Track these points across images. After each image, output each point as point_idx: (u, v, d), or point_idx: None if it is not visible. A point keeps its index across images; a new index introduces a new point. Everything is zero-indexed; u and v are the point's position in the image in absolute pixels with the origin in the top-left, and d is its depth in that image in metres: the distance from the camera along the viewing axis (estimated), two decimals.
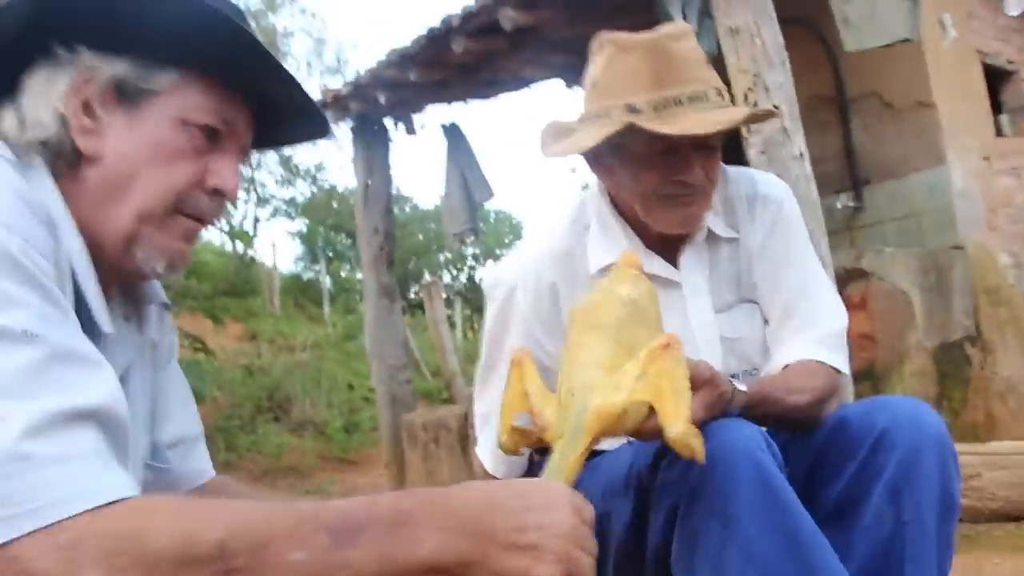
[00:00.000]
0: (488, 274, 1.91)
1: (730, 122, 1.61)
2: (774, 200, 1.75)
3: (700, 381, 1.31)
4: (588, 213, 1.81)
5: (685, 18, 4.15)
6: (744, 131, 3.78)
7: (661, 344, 1.23)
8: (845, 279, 4.73)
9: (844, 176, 5.72)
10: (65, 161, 1.07)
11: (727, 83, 3.78)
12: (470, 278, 21.60)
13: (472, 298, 20.20)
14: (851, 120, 5.72)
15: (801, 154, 3.76)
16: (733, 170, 1.82)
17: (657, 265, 1.72)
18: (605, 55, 1.69)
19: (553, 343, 1.75)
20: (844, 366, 1.68)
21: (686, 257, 1.74)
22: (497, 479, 1.91)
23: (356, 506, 0.88)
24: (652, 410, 1.26)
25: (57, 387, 0.84)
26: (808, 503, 1.43)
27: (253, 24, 1.25)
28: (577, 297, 1.71)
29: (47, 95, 1.06)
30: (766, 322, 1.76)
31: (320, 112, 1.28)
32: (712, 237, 1.75)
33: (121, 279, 1.19)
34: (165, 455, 1.27)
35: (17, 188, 0.96)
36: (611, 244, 1.73)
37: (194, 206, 1.12)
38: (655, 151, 1.61)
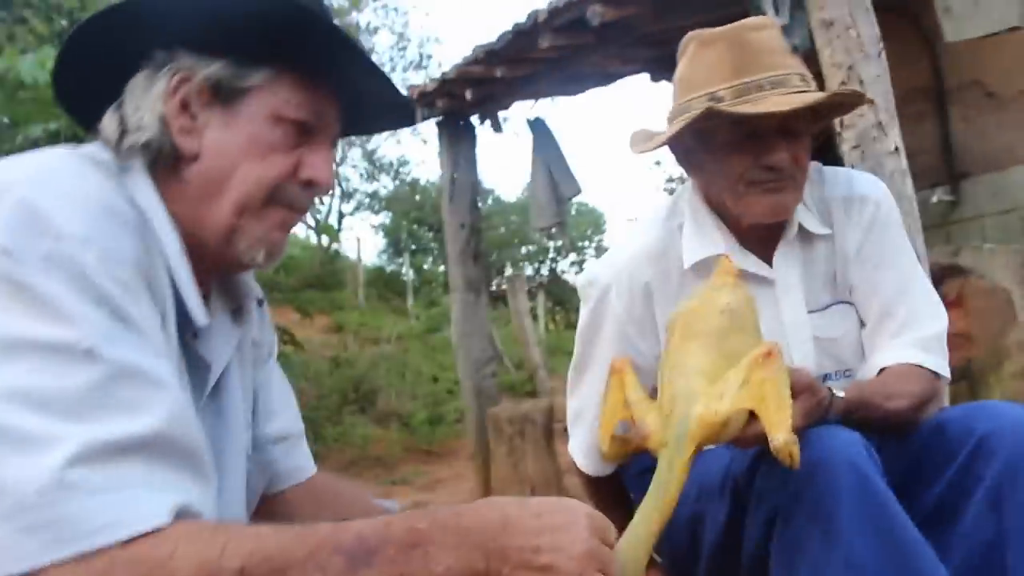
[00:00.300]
0: (582, 274, 1.93)
1: (811, 101, 1.60)
2: (872, 201, 1.73)
3: (799, 388, 1.31)
4: (681, 211, 1.81)
5: (776, 11, 4.06)
6: (837, 126, 3.70)
7: (763, 352, 1.24)
8: (940, 276, 4.59)
9: (940, 169, 5.54)
10: (165, 161, 1.11)
11: (820, 77, 3.72)
12: (552, 271, 21.64)
13: (554, 290, 20.22)
14: (949, 111, 5.54)
15: (896, 148, 3.64)
16: (830, 170, 1.82)
17: (751, 263, 1.72)
18: (689, 52, 1.73)
19: (646, 343, 1.76)
20: (944, 369, 1.66)
21: (780, 255, 1.74)
22: (586, 477, 1.93)
23: (372, 528, 0.89)
24: (752, 416, 1.26)
25: (114, 410, 0.85)
26: (905, 507, 1.41)
27: (336, 19, 1.29)
28: (671, 297, 1.74)
29: (148, 97, 1.11)
30: (863, 324, 1.74)
31: (405, 101, 1.35)
32: (805, 235, 1.74)
33: (223, 271, 1.23)
34: (270, 450, 1.33)
35: (100, 196, 0.98)
36: (705, 240, 1.74)
37: (288, 197, 1.16)
38: (740, 137, 1.63)
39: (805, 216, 1.73)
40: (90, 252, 0.90)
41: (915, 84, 5.47)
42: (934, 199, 5.46)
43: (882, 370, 1.64)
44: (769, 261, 1.74)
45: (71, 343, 0.85)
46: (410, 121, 1.40)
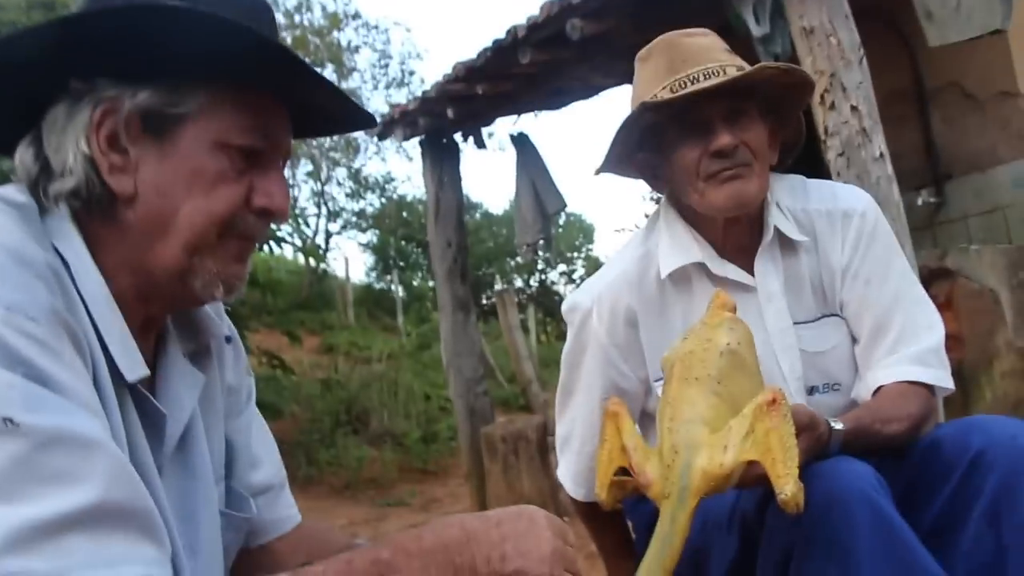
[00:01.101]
0: (566, 299, 1.92)
1: (733, 76, 1.61)
2: (856, 214, 1.72)
3: (799, 428, 1.28)
4: (658, 229, 1.81)
5: (757, 19, 4.07)
6: (822, 133, 3.70)
7: (767, 401, 1.21)
8: (928, 278, 4.58)
9: (924, 171, 5.56)
10: (99, 204, 1.01)
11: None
12: (542, 282, 21.62)
13: (545, 302, 20.20)
14: (931, 113, 5.56)
15: (881, 154, 3.65)
16: (814, 183, 1.82)
17: (731, 270, 1.72)
18: (635, 72, 1.77)
19: (630, 365, 1.77)
20: (944, 380, 1.65)
21: (760, 262, 1.72)
22: (578, 502, 1.91)
23: (334, 567, 0.89)
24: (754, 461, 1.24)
25: (46, 484, 0.78)
26: (914, 509, 1.42)
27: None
28: (655, 314, 1.75)
29: (69, 134, 1.00)
30: (855, 340, 1.73)
31: (357, 107, 1.20)
32: (787, 244, 1.73)
33: (180, 308, 1.14)
34: (247, 503, 1.23)
35: (11, 244, 0.91)
36: (680, 250, 1.74)
37: (243, 228, 1.06)
38: (685, 129, 1.66)
39: (782, 221, 1.72)
40: None
41: (896, 87, 5.48)
42: (919, 201, 5.47)
43: (878, 389, 1.63)
44: (749, 269, 1.73)
45: None
46: (369, 124, 1.26)
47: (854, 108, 3.63)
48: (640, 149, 1.78)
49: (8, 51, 0.99)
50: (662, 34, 1.77)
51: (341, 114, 1.21)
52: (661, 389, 1.38)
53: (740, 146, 1.63)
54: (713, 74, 1.62)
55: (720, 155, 1.63)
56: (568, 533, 1.01)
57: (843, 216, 1.72)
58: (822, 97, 3.70)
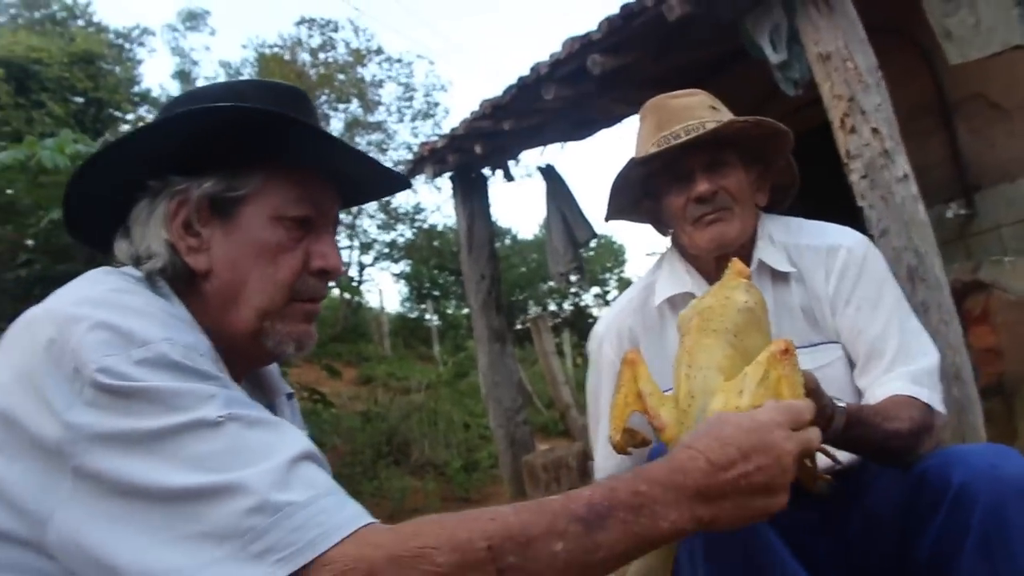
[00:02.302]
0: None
1: (700, 132, 1.78)
2: (844, 248, 1.83)
3: (807, 389, 1.32)
4: (663, 263, 2.01)
5: (773, 46, 4.12)
6: (844, 157, 3.73)
7: (781, 349, 1.24)
8: (963, 292, 4.57)
9: (953, 183, 5.53)
10: (182, 281, 1.16)
11: (823, 110, 3.76)
12: (576, 305, 21.62)
13: (579, 325, 20.19)
14: (956, 125, 5.54)
15: (905, 175, 3.66)
16: (809, 223, 1.95)
17: None
18: (637, 128, 1.97)
19: None
20: (937, 403, 1.68)
21: None
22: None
23: (600, 495, 0.95)
24: None
25: (269, 447, 0.93)
26: (903, 553, 1.48)
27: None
28: (653, 335, 1.93)
29: (151, 225, 1.17)
30: (852, 366, 1.79)
31: (392, 171, 1.38)
32: (776, 275, 1.85)
33: (258, 366, 1.30)
34: None
35: (158, 305, 1.07)
36: (675, 280, 1.94)
37: (306, 290, 1.21)
38: (671, 180, 1.87)
39: (769, 254, 1.86)
40: (175, 349, 0.98)
41: (918, 101, 5.48)
42: (949, 214, 5.45)
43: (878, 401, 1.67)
44: None
45: (204, 417, 0.93)
46: (405, 186, 1.43)
47: (875, 130, 3.67)
48: (644, 197, 2.00)
49: (96, 166, 1.18)
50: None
51: (380, 180, 1.38)
52: (678, 343, 1.42)
53: (719, 192, 1.82)
54: (694, 130, 1.80)
55: (701, 200, 1.82)
56: (799, 413, 1.09)
57: (828, 250, 1.84)
58: (842, 121, 3.73)
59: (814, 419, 1.15)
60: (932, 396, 1.68)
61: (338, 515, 0.90)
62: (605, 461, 1.91)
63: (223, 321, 1.17)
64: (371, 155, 1.31)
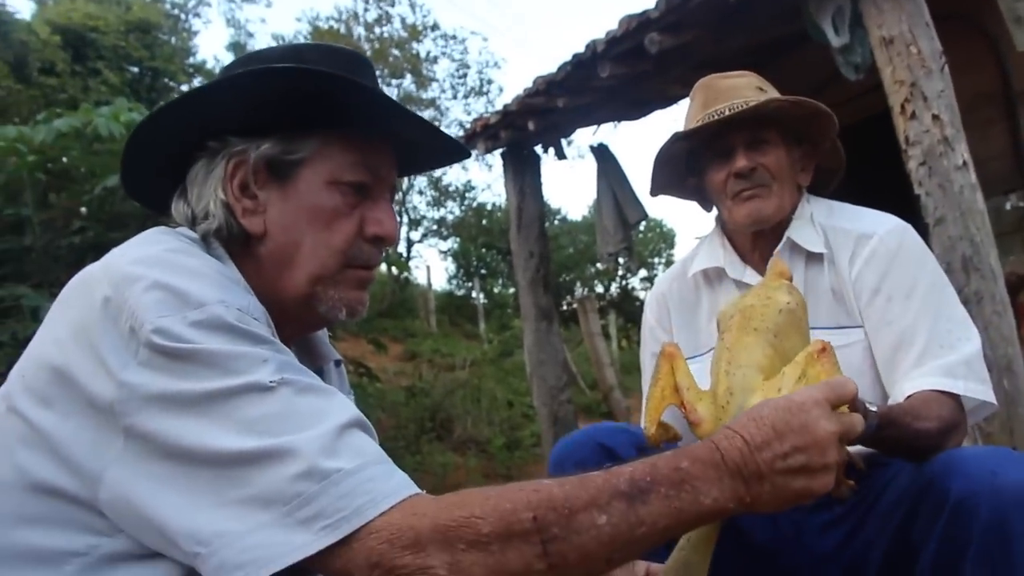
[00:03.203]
0: None
1: (741, 109, 1.85)
2: (875, 236, 1.82)
3: None
4: (706, 238, 2.09)
5: (836, 30, 4.05)
6: (903, 143, 3.67)
7: (818, 349, 1.24)
8: (1017, 285, 4.48)
9: (1013, 175, 5.42)
10: (237, 242, 1.18)
11: (884, 94, 3.70)
12: (623, 288, 21.56)
13: (625, 308, 20.15)
14: (1019, 116, 5.42)
15: (964, 163, 3.59)
16: (850, 208, 1.96)
17: (748, 274, 1.94)
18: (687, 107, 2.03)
19: (666, 336, 2.06)
20: (978, 392, 1.66)
21: None
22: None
23: (641, 471, 0.96)
24: None
25: (320, 413, 0.94)
26: (907, 562, 1.46)
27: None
28: (683, 302, 2.04)
29: (208, 185, 1.18)
30: (877, 358, 1.77)
31: (450, 139, 1.37)
32: (810, 255, 1.87)
33: (309, 331, 1.31)
34: None
35: (214, 267, 1.07)
36: (710, 254, 2.02)
37: (360, 257, 1.22)
38: (713, 155, 1.93)
39: (799, 232, 1.89)
40: (231, 310, 0.99)
41: (982, 90, 5.36)
42: (1008, 205, 5.35)
43: (907, 397, 1.65)
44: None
45: (257, 380, 0.94)
46: (464, 156, 1.43)
47: (935, 117, 3.60)
48: (689, 174, 2.07)
49: (155, 125, 1.18)
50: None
51: (439, 148, 1.37)
52: (717, 339, 1.43)
53: (758, 168, 1.88)
54: (738, 107, 1.86)
55: (740, 176, 1.89)
56: (840, 392, 1.07)
57: (859, 236, 1.84)
58: (903, 107, 3.67)
59: (853, 403, 1.13)
60: (968, 386, 1.65)
61: (385, 484, 0.91)
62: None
63: (276, 285, 1.18)
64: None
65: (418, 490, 0.94)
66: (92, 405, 0.95)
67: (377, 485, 0.90)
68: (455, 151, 1.41)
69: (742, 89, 1.93)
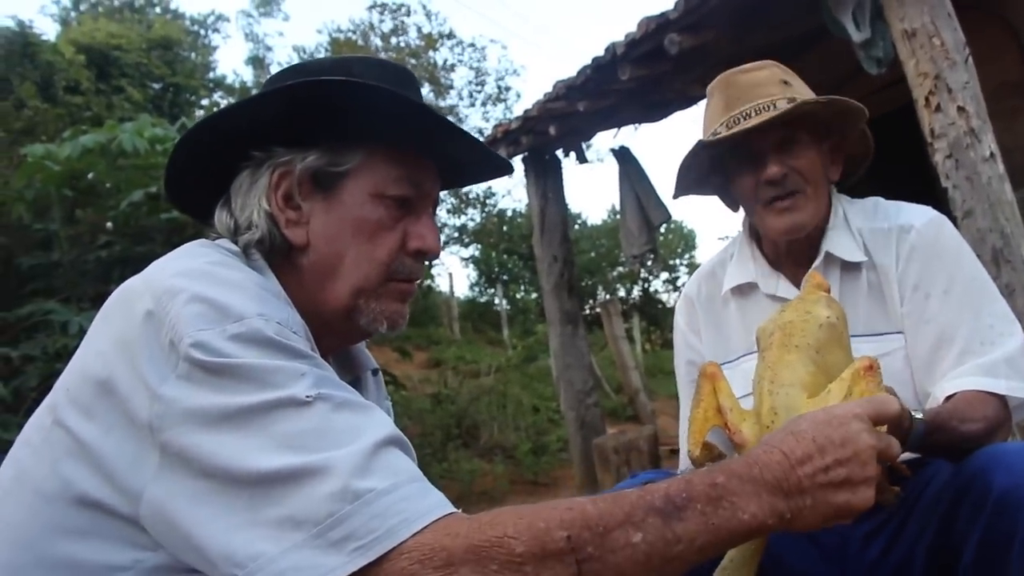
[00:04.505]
0: None
1: (770, 115, 1.73)
2: (914, 230, 1.76)
3: None
4: (736, 242, 2.01)
5: (857, 24, 4.03)
6: (928, 136, 3.65)
7: (864, 366, 1.24)
8: None
9: None
10: (279, 253, 1.17)
11: (907, 88, 3.67)
12: (645, 291, 21.49)
13: (648, 310, 20.09)
14: None
15: (992, 154, 3.56)
16: (886, 203, 1.88)
17: (782, 287, 1.86)
18: (705, 104, 1.93)
19: (699, 341, 2.01)
20: (1022, 391, 1.61)
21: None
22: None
23: (676, 488, 0.94)
24: None
25: (355, 430, 0.93)
26: (949, 561, 1.43)
27: (417, 74, 1.35)
28: (713, 312, 1.97)
29: (252, 195, 1.18)
30: (914, 357, 1.73)
31: (495, 155, 1.36)
32: (846, 263, 1.79)
33: (349, 344, 1.30)
34: None
35: (254, 280, 1.07)
36: (741, 268, 1.93)
37: (402, 271, 1.21)
38: (741, 160, 1.82)
39: (836, 243, 1.80)
40: (271, 324, 0.98)
41: (1005, 79, 5.31)
42: None
43: (948, 397, 1.61)
44: (799, 285, 1.77)
45: (292, 395, 0.93)
46: (508, 171, 1.41)
47: (961, 109, 3.57)
48: (713, 173, 1.96)
49: (201, 133, 1.20)
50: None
51: (482, 163, 1.37)
52: (758, 357, 1.41)
53: (790, 173, 1.76)
54: (764, 109, 1.76)
55: (771, 183, 1.77)
56: (883, 408, 1.06)
57: (899, 230, 1.77)
58: (927, 100, 3.64)
59: (894, 423, 1.11)
60: (1011, 385, 1.61)
61: (419, 503, 0.90)
62: (683, 428, 1.93)
63: (317, 297, 1.18)
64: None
65: (453, 509, 0.92)
66: (132, 419, 0.95)
67: (410, 505, 0.89)
68: (499, 166, 1.40)
69: (765, 85, 1.80)
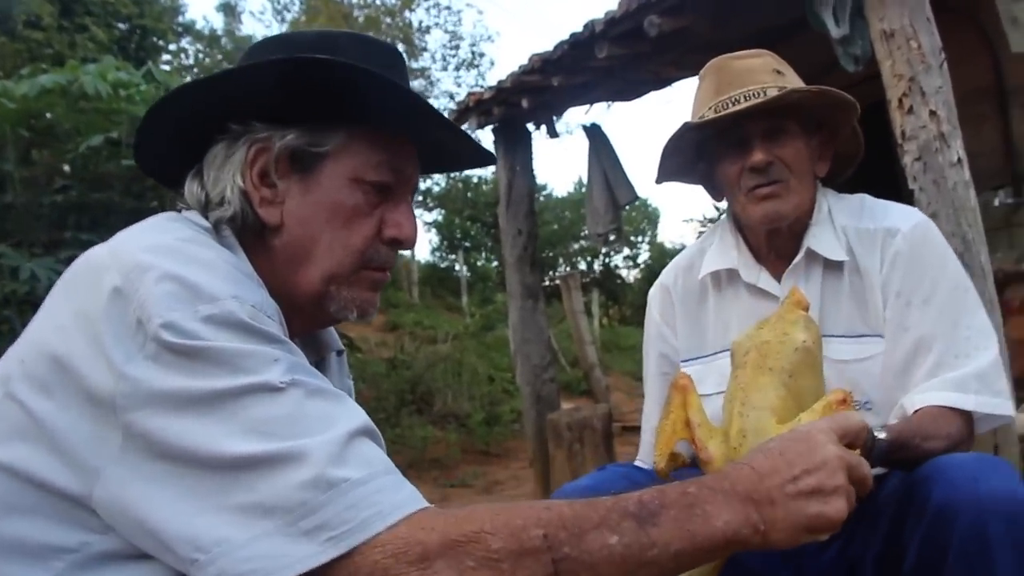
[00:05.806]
0: None
1: (761, 100, 1.72)
2: (899, 234, 1.74)
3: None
4: (718, 228, 1.98)
5: (836, 20, 4.02)
6: (899, 137, 3.66)
7: (838, 399, 1.24)
8: (1004, 282, 4.49)
9: (1002, 171, 5.42)
10: (251, 232, 1.13)
11: (880, 86, 3.68)
12: (606, 265, 21.58)
13: (608, 285, 20.19)
14: (1011, 112, 5.42)
15: (959, 160, 3.58)
16: (873, 203, 1.86)
17: (762, 278, 1.84)
18: (695, 88, 1.90)
19: (672, 334, 1.97)
20: (990, 406, 1.62)
21: (789, 274, 1.80)
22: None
23: (650, 494, 0.94)
24: None
25: (329, 419, 0.91)
26: (893, 566, 1.45)
27: (391, 34, 1.30)
28: (690, 301, 1.94)
29: (226, 169, 1.13)
30: (891, 361, 1.72)
31: (480, 146, 1.32)
32: (829, 261, 1.78)
33: (317, 328, 1.27)
34: None
35: (229, 259, 1.03)
36: (722, 254, 1.90)
37: (376, 259, 1.17)
38: (727, 146, 1.79)
39: (818, 240, 1.78)
40: (243, 307, 0.95)
41: (975, 85, 5.35)
42: (996, 202, 5.36)
43: (915, 412, 1.61)
44: (780, 280, 1.81)
45: (268, 381, 0.91)
46: (490, 162, 1.38)
47: (933, 113, 3.58)
48: (699, 160, 1.93)
49: (178, 100, 1.14)
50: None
51: (464, 152, 1.33)
52: (731, 372, 1.41)
53: (775, 162, 1.74)
54: (753, 95, 1.74)
55: (755, 170, 1.75)
56: (848, 425, 1.08)
57: (885, 233, 1.75)
58: (900, 101, 3.64)
59: (858, 440, 1.12)
60: (980, 400, 1.61)
61: (394, 496, 0.88)
62: (648, 423, 1.97)
63: (287, 280, 1.14)
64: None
65: (427, 504, 0.91)
66: (91, 397, 0.91)
67: (385, 497, 0.88)
68: (481, 157, 1.37)
69: (758, 73, 1.79)
